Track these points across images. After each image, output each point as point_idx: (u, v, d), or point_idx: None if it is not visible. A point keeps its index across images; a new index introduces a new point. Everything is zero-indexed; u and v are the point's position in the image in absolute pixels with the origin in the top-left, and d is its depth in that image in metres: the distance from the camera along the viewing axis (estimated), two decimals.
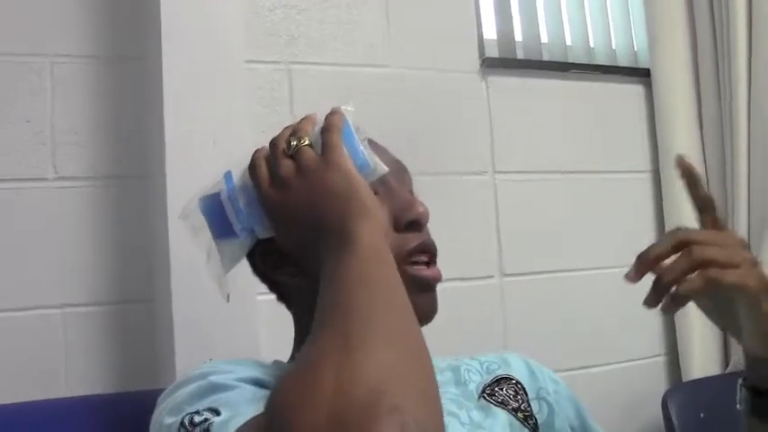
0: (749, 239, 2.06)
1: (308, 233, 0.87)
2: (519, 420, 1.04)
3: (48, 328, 1.56)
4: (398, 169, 1.08)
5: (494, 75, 2.02)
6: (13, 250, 1.56)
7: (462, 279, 1.87)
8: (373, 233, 0.83)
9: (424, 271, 1.00)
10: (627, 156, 2.20)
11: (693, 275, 0.84)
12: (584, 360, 1.98)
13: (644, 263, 0.88)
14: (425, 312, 1.00)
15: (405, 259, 0.97)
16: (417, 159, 1.91)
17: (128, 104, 1.67)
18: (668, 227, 2.14)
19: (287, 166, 0.90)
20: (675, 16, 2.23)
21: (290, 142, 0.91)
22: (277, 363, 1.07)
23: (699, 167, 2.17)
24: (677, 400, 1.92)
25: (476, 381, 1.09)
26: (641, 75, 2.24)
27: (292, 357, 1.06)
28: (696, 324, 2.08)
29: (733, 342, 2.07)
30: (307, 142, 0.90)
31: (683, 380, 2.08)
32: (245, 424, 0.76)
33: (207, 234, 0.98)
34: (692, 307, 2.06)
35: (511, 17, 2.11)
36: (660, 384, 2.10)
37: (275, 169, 0.91)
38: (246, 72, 1.68)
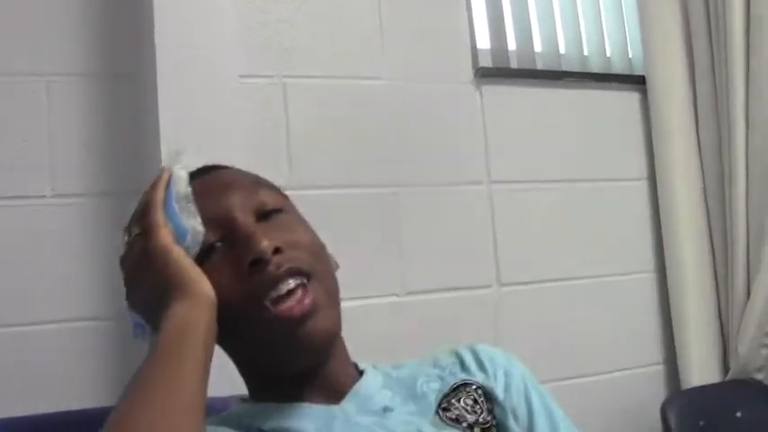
0: (747, 247, 2.06)
1: (147, 315, 0.93)
2: None
3: (45, 342, 1.57)
4: (243, 199, 1.00)
5: (488, 84, 2.03)
6: (12, 267, 1.57)
7: (459, 289, 1.88)
8: (176, 320, 0.87)
9: (284, 309, 0.92)
10: (623, 163, 2.21)
11: None
12: (582, 369, 1.98)
13: None
14: (306, 345, 0.95)
15: (261, 301, 0.92)
16: (412, 170, 1.95)
17: (123, 121, 1.68)
18: (665, 234, 2.15)
19: (126, 260, 0.96)
20: (670, 22, 2.23)
21: (123, 236, 0.96)
22: (241, 402, 1.07)
23: (696, 174, 2.18)
24: (676, 408, 1.92)
25: (435, 390, 1.06)
26: (636, 82, 2.24)
27: (250, 397, 1.06)
28: (694, 331, 2.09)
29: (732, 349, 2.08)
30: (134, 233, 0.94)
31: (682, 388, 2.08)
32: None
33: None
34: (690, 313, 2.07)
35: (504, 27, 2.12)
36: (659, 392, 2.09)
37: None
38: (241, 86, 1.69)
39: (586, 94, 2.17)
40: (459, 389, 1.07)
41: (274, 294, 0.92)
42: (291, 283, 0.94)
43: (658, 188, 2.19)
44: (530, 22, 2.16)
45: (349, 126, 1.86)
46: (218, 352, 1.06)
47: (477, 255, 1.95)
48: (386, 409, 1.01)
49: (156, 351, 0.86)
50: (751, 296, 2.05)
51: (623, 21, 2.31)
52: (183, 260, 0.91)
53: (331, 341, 0.98)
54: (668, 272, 2.14)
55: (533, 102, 2.10)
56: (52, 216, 1.62)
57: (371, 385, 1.05)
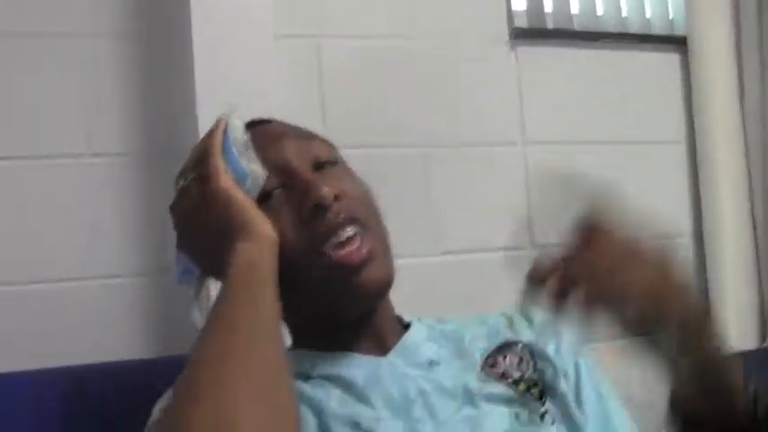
0: None
1: (210, 262, 0.94)
2: (519, 393, 1.02)
3: (85, 298, 1.61)
4: (302, 146, 1.03)
5: (523, 45, 2.01)
6: (51, 225, 1.61)
7: (494, 250, 1.87)
8: (247, 262, 0.87)
9: (341, 255, 0.95)
10: (660, 126, 2.17)
11: None
12: (614, 333, 1.97)
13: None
14: (361, 293, 0.97)
15: (318, 249, 0.95)
16: (446, 131, 1.94)
17: (159, 81, 1.69)
18: (703, 198, 2.12)
19: (180, 204, 0.96)
20: None
21: (177, 182, 0.97)
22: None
23: (737, 138, 2.14)
24: None
25: (481, 348, 1.07)
26: (677, 42, 2.20)
27: (292, 347, 1.07)
28: (732, 297, 2.06)
29: None
30: (190, 177, 0.94)
31: None
32: None
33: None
34: (728, 279, 2.04)
35: None
36: None
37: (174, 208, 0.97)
38: (276, 46, 1.68)
39: (624, 56, 2.14)
40: (505, 347, 1.08)
41: (334, 241, 0.95)
42: (350, 230, 0.96)
43: (697, 152, 2.15)
44: None
45: (382, 86, 1.85)
46: None
47: (512, 216, 1.94)
48: (432, 363, 1.02)
49: (230, 288, 0.86)
50: None
51: None
52: (246, 201, 0.92)
53: (384, 290, 1.01)
54: (706, 237, 2.11)
55: (569, 63, 2.07)
56: (89, 175, 1.64)
57: (417, 338, 1.06)
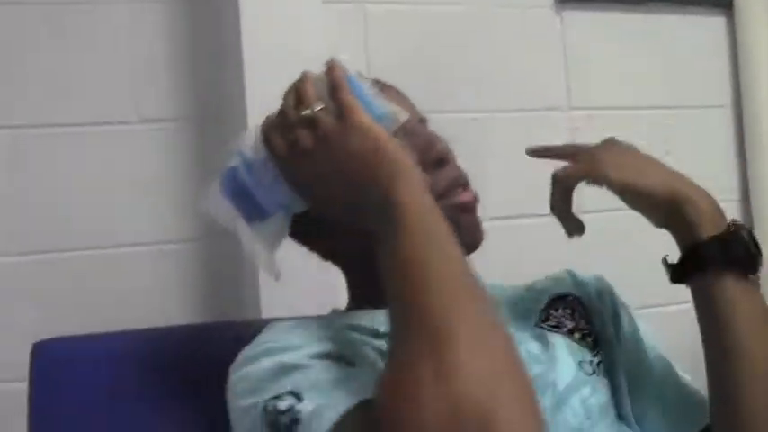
0: None
1: (344, 202, 0.85)
2: (576, 341, 1.04)
3: (138, 264, 1.64)
4: (408, 104, 1.05)
5: (568, 9, 1.99)
6: (103, 192, 1.63)
7: (540, 215, 1.86)
8: (414, 193, 0.80)
9: (461, 196, 0.99)
10: (706, 90, 2.15)
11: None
12: (664, 297, 1.96)
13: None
14: (471, 235, 1.00)
15: (439, 199, 0.93)
16: (492, 97, 1.94)
17: (206, 46, 1.70)
18: (750, 162, 2.10)
19: (305, 136, 0.85)
20: None
21: (300, 111, 0.86)
22: (335, 312, 1.08)
23: None
24: None
25: (533, 308, 1.08)
26: (723, 5, 2.17)
27: (349, 306, 1.07)
28: None
29: None
30: (318, 107, 0.85)
31: None
32: (338, 424, 0.75)
33: (237, 218, 0.94)
34: None
35: None
36: None
37: (294, 142, 0.86)
38: (323, 11, 1.68)
39: (670, 20, 2.11)
40: (556, 301, 1.10)
41: (453, 193, 0.98)
42: (460, 189, 1.00)
43: (744, 116, 2.13)
44: None
45: (428, 52, 1.85)
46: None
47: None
48: None
49: (409, 228, 0.78)
50: None
51: None
52: (392, 138, 0.85)
53: (480, 242, 1.01)
54: (752, 200, 2.10)
55: (614, 27, 2.05)
56: (138, 141, 1.66)
57: None
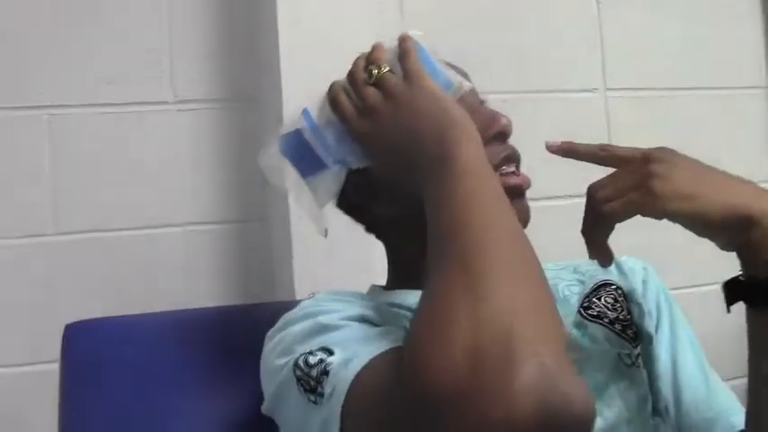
0: None
1: (405, 159, 0.85)
2: (616, 333, 1.02)
3: (170, 244, 1.65)
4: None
5: None
6: (138, 172, 1.64)
7: (577, 196, 1.85)
8: (472, 151, 0.81)
9: (513, 179, 0.98)
10: (742, 72, 2.12)
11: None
12: (702, 277, 1.94)
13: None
14: (520, 218, 0.96)
15: (497, 169, 0.96)
16: (528, 77, 1.92)
17: (242, 29, 1.71)
18: None
19: (372, 94, 0.89)
20: None
21: (370, 71, 0.89)
22: (374, 288, 1.08)
23: None
24: None
25: (576, 292, 1.07)
26: None
27: (389, 285, 1.07)
28: None
29: None
30: (387, 69, 0.89)
31: None
32: (367, 366, 0.75)
33: (292, 174, 0.97)
34: None
35: None
36: None
37: (361, 99, 0.90)
38: None
39: (706, 1, 2.08)
40: (599, 288, 1.08)
41: (510, 168, 0.99)
42: (513, 166, 1.00)
43: None
44: None
45: (461, 32, 1.83)
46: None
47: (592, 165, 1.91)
48: None
49: (464, 176, 0.78)
50: None
51: None
52: (457, 104, 0.88)
53: (526, 226, 0.99)
54: None
55: (651, 7, 2.02)
56: (175, 122, 1.67)
57: None
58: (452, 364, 0.63)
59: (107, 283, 1.60)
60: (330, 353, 0.80)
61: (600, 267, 1.08)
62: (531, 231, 1.00)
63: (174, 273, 1.64)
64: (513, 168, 1.00)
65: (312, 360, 0.81)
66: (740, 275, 0.87)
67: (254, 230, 1.66)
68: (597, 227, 0.90)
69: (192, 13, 1.69)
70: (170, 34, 1.67)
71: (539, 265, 0.75)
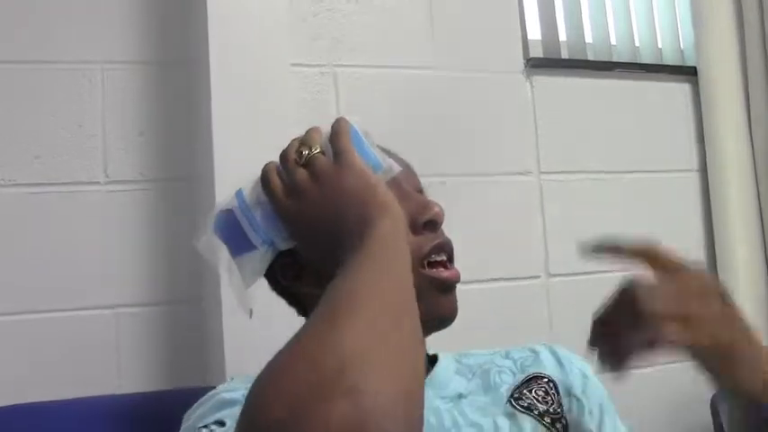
0: None
1: (329, 238, 0.85)
2: (545, 425, 1.03)
3: (100, 327, 1.60)
4: (408, 172, 1.08)
5: (539, 75, 2.02)
6: (67, 252, 1.61)
7: (508, 279, 1.87)
8: (391, 228, 0.80)
9: (442, 273, 1.00)
10: (673, 155, 2.18)
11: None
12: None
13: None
14: (448, 312, 1.01)
15: (423, 260, 0.98)
16: (462, 160, 1.94)
17: (176, 108, 1.70)
18: (716, 226, 2.12)
19: (301, 174, 0.89)
20: (722, 13, 2.19)
21: (301, 152, 0.89)
22: None
23: (748, 167, 2.15)
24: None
25: (507, 382, 1.07)
26: (688, 73, 2.21)
27: None
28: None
29: None
30: (318, 150, 0.89)
31: None
32: None
33: (225, 253, 0.97)
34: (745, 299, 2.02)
35: (555, 17, 2.11)
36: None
37: (289, 179, 0.90)
38: (292, 75, 1.70)
39: (637, 86, 2.15)
40: (531, 381, 1.08)
41: (435, 258, 0.99)
42: (444, 256, 1.01)
43: (709, 180, 2.16)
44: (581, 12, 2.15)
45: (399, 115, 1.86)
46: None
47: (527, 245, 1.94)
48: (460, 396, 1.03)
49: (367, 258, 0.77)
50: None
51: (675, 11, 2.28)
52: (384, 185, 0.87)
53: (454, 319, 1.01)
54: (719, 266, 2.11)
55: (584, 92, 2.08)
56: (106, 202, 1.65)
57: (446, 372, 1.07)
58: (279, 397, 0.63)
59: (35, 367, 1.54)
60: (222, 425, 0.86)
61: (534, 358, 1.09)
62: (461, 315, 1.00)
63: (103, 356, 1.60)
64: (443, 257, 1.01)
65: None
66: None
67: (186, 312, 1.63)
68: (612, 349, 0.90)
69: (125, 89, 1.68)
70: (102, 112, 1.66)
71: (414, 328, 0.73)
